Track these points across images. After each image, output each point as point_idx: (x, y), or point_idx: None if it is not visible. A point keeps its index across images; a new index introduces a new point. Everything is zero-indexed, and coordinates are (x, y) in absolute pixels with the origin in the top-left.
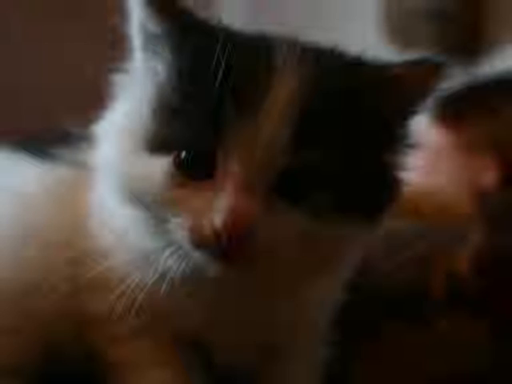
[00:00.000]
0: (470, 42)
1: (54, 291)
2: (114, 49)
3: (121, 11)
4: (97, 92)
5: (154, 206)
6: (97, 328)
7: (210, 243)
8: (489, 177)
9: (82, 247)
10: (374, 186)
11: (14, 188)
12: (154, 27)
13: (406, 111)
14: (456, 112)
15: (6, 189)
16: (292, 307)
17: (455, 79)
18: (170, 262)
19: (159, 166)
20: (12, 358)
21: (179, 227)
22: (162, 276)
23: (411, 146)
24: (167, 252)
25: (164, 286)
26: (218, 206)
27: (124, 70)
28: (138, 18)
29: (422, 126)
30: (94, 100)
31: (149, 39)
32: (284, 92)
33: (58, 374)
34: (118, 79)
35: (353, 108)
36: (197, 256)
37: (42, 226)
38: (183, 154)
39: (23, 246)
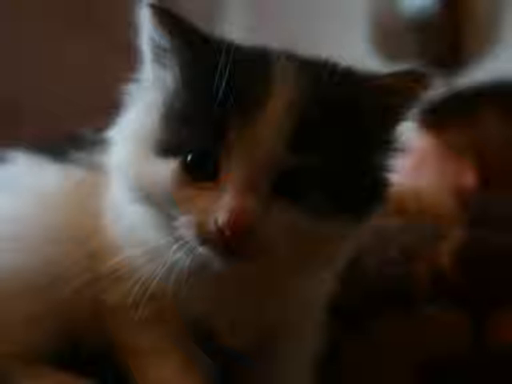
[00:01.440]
0: (450, 53)
1: (74, 282)
2: (125, 57)
3: (128, 21)
4: (103, 97)
5: (162, 205)
6: (111, 316)
7: (213, 239)
8: (469, 178)
9: (98, 242)
10: (366, 187)
11: (36, 189)
12: (162, 42)
13: (393, 118)
14: (439, 119)
15: (28, 190)
16: (289, 300)
17: (438, 88)
18: (177, 257)
19: (167, 168)
20: (37, 343)
21: (186, 224)
22: (170, 269)
23: (398, 150)
24: (175, 247)
25: (172, 278)
26: (221, 206)
27: (135, 79)
28: (147, 32)
29: (408, 132)
30: (101, 105)
31: (158, 52)
32: (282, 99)
33: (78, 358)
34: (130, 88)
35: (345, 115)
36: (202, 251)
37: (62, 223)
38: (189, 157)
39: (46, 243)
